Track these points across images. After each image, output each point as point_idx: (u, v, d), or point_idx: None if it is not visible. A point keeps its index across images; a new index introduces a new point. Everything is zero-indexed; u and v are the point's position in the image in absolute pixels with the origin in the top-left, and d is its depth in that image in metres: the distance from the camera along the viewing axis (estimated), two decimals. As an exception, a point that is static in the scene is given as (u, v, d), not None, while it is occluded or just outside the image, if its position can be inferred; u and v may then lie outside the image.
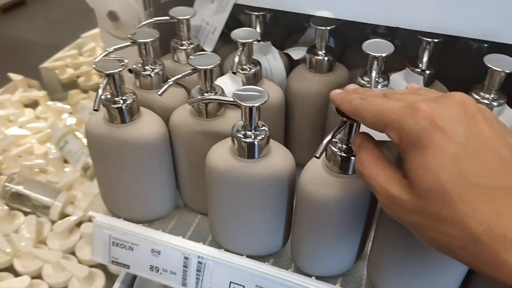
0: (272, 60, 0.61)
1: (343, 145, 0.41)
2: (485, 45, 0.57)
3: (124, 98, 0.48)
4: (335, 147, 0.42)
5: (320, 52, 0.57)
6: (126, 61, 0.47)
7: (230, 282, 0.52)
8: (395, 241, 0.44)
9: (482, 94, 0.47)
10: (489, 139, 0.28)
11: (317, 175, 0.43)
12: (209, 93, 0.49)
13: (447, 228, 0.28)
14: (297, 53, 0.61)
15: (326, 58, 0.57)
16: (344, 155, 0.41)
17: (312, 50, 0.57)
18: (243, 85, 0.54)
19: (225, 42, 0.63)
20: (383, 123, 0.31)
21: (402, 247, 0.44)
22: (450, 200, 0.27)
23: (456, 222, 0.27)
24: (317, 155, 0.38)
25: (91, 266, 0.89)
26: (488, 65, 0.45)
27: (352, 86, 0.38)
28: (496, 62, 0.45)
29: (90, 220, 0.83)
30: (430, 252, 0.42)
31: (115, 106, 0.48)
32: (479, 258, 0.27)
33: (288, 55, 0.63)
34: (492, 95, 0.47)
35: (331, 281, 0.50)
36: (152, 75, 0.53)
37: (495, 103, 0.47)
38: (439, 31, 0.48)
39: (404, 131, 0.29)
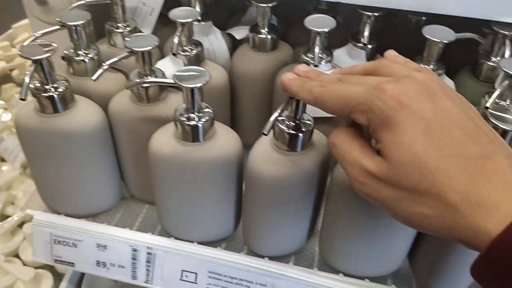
0: (214, 41, 0.59)
1: (290, 122, 0.41)
2: (424, 18, 0.58)
3: (55, 85, 0.45)
4: (282, 124, 0.41)
5: (262, 31, 0.55)
6: (54, 45, 0.43)
7: (182, 271, 0.50)
8: (344, 216, 0.44)
9: (422, 65, 0.48)
10: (453, 113, 0.29)
11: (266, 154, 0.42)
12: (149, 77, 0.47)
13: (426, 200, 0.28)
14: (239, 32, 0.60)
15: (269, 37, 0.55)
16: (292, 132, 0.40)
17: (254, 28, 0.56)
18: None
19: (165, 24, 0.61)
20: (348, 108, 0.31)
21: (352, 222, 0.44)
22: (428, 172, 0.28)
23: (434, 193, 0.28)
24: (265, 132, 0.37)
25: (37, 268, 0.85)
26: (427, 36, 0.46)
27: (302, 68, 0.37)
28: (434, 33, 0.46)
29: (32, 219, 0.78)
30: (379, 224, 0.43)
31: (46, 94, 0.44)
32: (457, 227, 0.28)
33: (231, 35, 0.61)
34: (431, 66, 0.48)
35: (284, 260, 0.50)
36: (86, 60, 0.50)
37: (434, 74, 0.47)
38: (379, 4, 0.48)
39: (373, 112, 0.30)
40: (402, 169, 0.29)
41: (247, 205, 0.48)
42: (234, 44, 0.61)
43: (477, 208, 0.27)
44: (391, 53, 0.37)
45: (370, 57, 0.53)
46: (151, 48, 0.45)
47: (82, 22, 0.48)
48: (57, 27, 0.48)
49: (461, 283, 0.47)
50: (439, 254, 0.45)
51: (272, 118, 0.38)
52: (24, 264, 0.86)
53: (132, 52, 0.45)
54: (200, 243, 0.51)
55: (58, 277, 0.85)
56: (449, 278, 0.46)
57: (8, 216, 0.92)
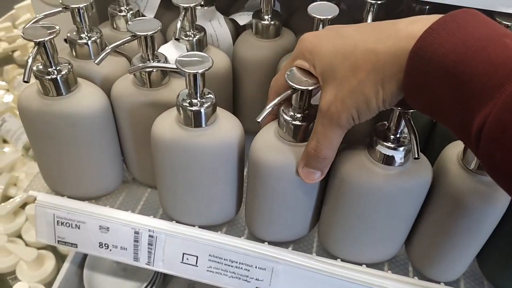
0: (217, 26, 0.59)
1: (296, 113, 0.41)
2: (427, 7, 0.58)
3: (58, 68, 0.45)
4: (287, 115, 0.41)
5: (266, 17, 0.55)
6: (57, 27, 0.44)
7: (183, 254, 0.51)
8: (342, 204, 0.44)
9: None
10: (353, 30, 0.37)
11: (269, 143, 0.43)
12: (151, 61, 0.47)
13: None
14: (243, 18, 0.60)
15: (272, 23, 0.55)
16: (297, 123, 0.41)
17: (257, 14, 0.56)
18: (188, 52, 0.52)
19: (168, 9, 0.61)
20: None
21: (350, 210, 0.44)
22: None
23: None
24: (258, 120, 0.38)
25: (40, 248, 0.86)
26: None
27: None
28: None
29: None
30: (376, 212, 0.43)
31: (49, 77, 0.45)
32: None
33: (234, 21, 0.61)
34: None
35: (284, 246, 0.51)
36: (89, 43, 0.50)
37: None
38: (383, -8, 0.48)
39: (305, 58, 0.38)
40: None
41: (250, 191, 0.48)
42: (237, 30, 0.61)
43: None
44: None
45: (373, 45, 0.53)
46: (153, 32, 0.45)
47: (85, 4, 0.48)
48: (60, 9, 0.48)
49: (455, 269, 0.48)
50: (434, 241, 0.46)
51: (268, 107, 0.38)
52: (27, 245, 0.88)
53: (134, 36, 0.45)
54: (201, 227, 0.52)
55: (60, 258, 0.86)
56: (444, 265, 0.47)
57: (10, 198, 0.93)
